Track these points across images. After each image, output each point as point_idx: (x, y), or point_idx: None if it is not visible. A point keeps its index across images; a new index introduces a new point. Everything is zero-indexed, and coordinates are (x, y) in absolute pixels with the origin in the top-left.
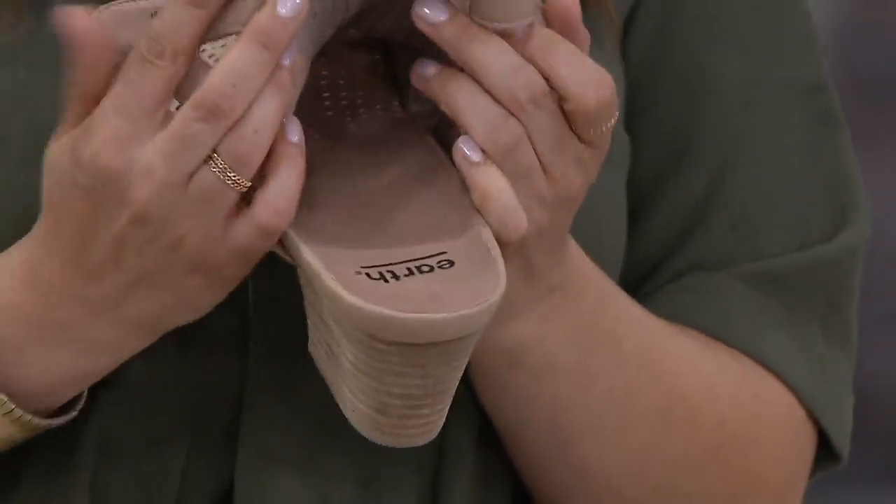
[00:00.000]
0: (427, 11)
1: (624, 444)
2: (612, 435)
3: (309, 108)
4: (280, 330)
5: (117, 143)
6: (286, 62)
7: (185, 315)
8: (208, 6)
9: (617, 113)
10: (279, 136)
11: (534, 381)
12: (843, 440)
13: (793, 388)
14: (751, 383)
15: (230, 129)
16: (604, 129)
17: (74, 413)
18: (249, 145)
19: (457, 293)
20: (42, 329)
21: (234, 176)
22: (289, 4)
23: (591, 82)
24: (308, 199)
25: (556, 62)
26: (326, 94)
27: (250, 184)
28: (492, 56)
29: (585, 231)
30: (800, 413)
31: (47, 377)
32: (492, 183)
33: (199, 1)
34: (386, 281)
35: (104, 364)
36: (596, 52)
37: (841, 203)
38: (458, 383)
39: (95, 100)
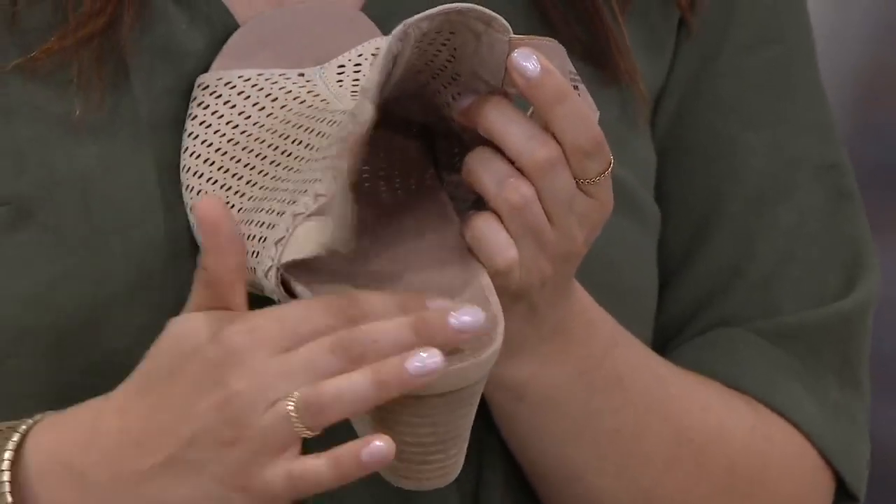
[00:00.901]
0: (460, 105)
1: (632, 481)
2: (620, 472)
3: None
4: None
5: (256, 332)
6: (411, 369)
7: None
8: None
9: (612, 160)
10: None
11: (538, 416)
12: (857, 481)
13: (805, 433)
14: (763, 428)
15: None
16: (601, 178)
17: None
18: (323, 403)
19: (458, 348)
20: (70, 482)
21: (298, 422)
22: (463, 321)
23: (585, 126)
24: (332, 263)
25: (556, 115)
26: (365, 168)
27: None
28: (511, 124)
29: (617, 285)
30: (813, 457)
31: None
32: (477, 220)
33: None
34: None
35: None
36: (628, 127)
37: (854, 264)
38: (470, 427)
39: (223, 286)
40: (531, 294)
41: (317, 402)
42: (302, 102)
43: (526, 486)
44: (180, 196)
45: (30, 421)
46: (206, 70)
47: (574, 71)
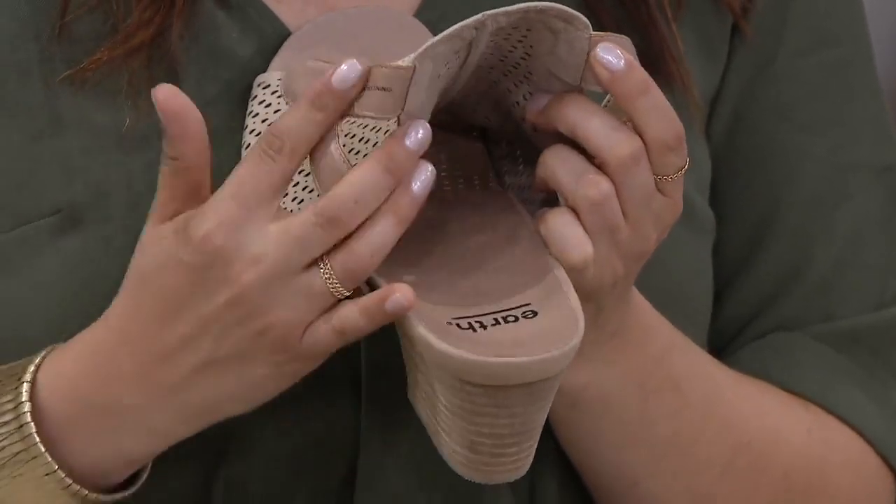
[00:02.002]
0: (535, 104)
1: (688, 486)
2: (676, 477)
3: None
4: (390, 377)
5: (231, 226)
6: (415, 188)
7: (240, 406)
8: (328, 111)
9: (687, 159)
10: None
11: (593, 422)
12: None
13: (866, 437)
14: (821, 432)
15: (347, 244)
16: (677, 175)
17: (133, 489)
18: (361, 264)
19: (540, 338)
20: (101, 415)
21: (338, 285)
22: (415, 137)
23: (669, 119)
24: (404, 258)
25: (639, 107)
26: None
27: (348, 294)
28: (593, 120)
29: (672, 290)
30: (873, 460)
31: (101, 460)
32: (552, 215)
33: (321, 104)
34: (474, 330)
35: (155, 448)
36: (686, 133)
37: None
38: (543, 422)
39: (193, 172)
40: (601, 295)
41: (355, 264)
42: None
43: (581, 491)
44: None
45: (37, 359)
46: (251, 74)
47: (633, 54)
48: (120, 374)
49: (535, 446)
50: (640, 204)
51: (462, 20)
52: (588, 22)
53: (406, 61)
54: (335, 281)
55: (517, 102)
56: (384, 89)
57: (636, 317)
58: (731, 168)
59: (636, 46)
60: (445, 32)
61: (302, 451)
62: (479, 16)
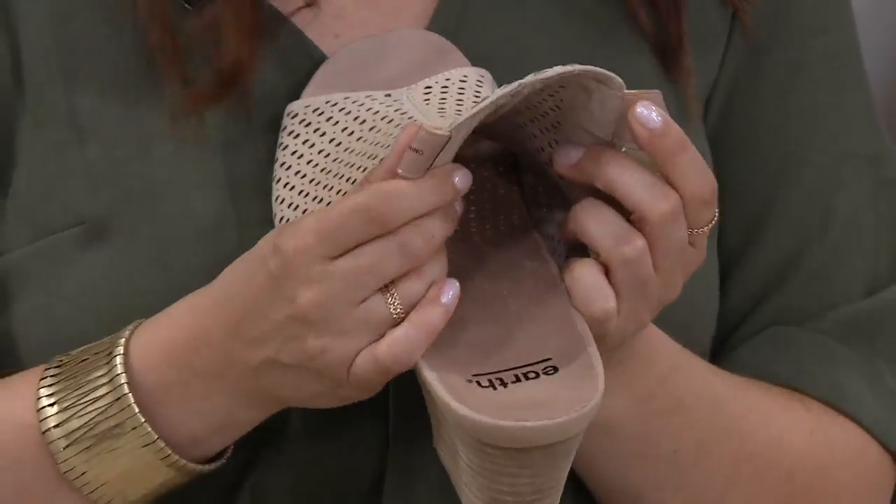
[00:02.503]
0: (566, 157)
1: (693, 499)
2: (680, 491)
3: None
4: (418, 389)
5: (306, 253)
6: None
7: (307, 405)
8: (440, 200)
9: (717, 211)
10: (433, 291)
11: (598, 440)
12: None
13: (863, 425)
14: (821, 432)
15: (413, 274)
16: (707, 228)
17: (224, 459)
18: (422, 293)
19: (559, 398)
20: (191, 375)
21: (401, 311)
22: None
23: (705, 174)
24: None
25: (677, 164)
26: (476, 235)
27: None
28: (632, 176)
29: (679, 299)
30: (874, 448)
31: (194, 423)
32: (578, 266)
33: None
34: (494, 388)
35: (243, 417)
36: (684, 123)
37: None
38: (565, 477)
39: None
40: (613, 334)
41: (411, 293)
42: (390, 122)
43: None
44: (254, 213)
45: (126, 332)
46: (276, 95)
47: (666, 111)
48: (210, 344)
49: (557, 500)
50: (674, 258)
51: (478, 27)
52: (622, 82)
53: (444, 129)
54: (399, 307)
55: (542, 148)
56: (416, 151)
57: (642, 339)
58: (728, 157)
59: (654, 34)
60: (483, 106)
61: (329, 462)
62: (515, 85)
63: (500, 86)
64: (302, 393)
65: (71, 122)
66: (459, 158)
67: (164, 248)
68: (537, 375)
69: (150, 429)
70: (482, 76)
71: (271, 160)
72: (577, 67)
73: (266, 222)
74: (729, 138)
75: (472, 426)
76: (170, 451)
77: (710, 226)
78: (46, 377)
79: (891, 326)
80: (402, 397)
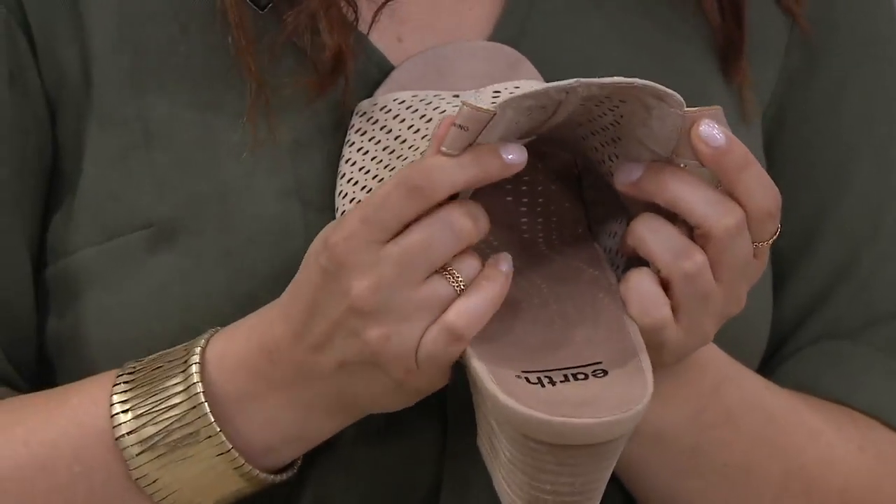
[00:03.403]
0: (627, 175)
1: None
2: (729, 503)
3: (503, 210)
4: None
5: (354, 241)
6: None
7: (383, 406)
8: (480, 171)
9: (780, 224)
10: (491, 261)
11: (647, 453)
12: None
13: None
14: (873, 447)
15: (467, 254)
16: (770, 241)
17: (294, 470)
18: (479, 267)
19: (607, 399)
20: (266, 386)
21: (463, 287)
22: (510, 156)
23: (770, 188)
24: None
25: (742, 180)
26: (525, 200)
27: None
28: (695, 192)
29: (735, 316)
30: None
31: (268, 434)
32: (634, 274)
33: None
34: (543, 386)
35: (317, 428)
36: (745, 130)
37: None
38: (606, 482)
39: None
40: (672, 345)
41: (476, 267)
42: None
43: None
44: (321, 214)
45: (202, 341)
46: (339, 98)
47: (727, 128)
48: (280, 352)
49: (598, 500)
50: (738, 271)
51: (541, 35)
52: (682, 99)
53: (489, 106)
54: (461, 282)
55: (602, 161)
56: (461, 127)
57: (695, 355)
58: (778, 165)
59: (723, 34)
60: (534, 89)
61: (385, 472)
62: (571, 81)
63: None
64: (373, 393)
65: (139, 126)
66: (531, 168)
67: (232, 252)
68: (586, 377)
69: (224, 438)
70: None
71: (338, 164)
72: (637, 81)
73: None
74: (781, 147)
75: (518, 419)
76: (243, 461)
77: (773, 238)
78: (119, 383)
79: None
80: (460, 408)
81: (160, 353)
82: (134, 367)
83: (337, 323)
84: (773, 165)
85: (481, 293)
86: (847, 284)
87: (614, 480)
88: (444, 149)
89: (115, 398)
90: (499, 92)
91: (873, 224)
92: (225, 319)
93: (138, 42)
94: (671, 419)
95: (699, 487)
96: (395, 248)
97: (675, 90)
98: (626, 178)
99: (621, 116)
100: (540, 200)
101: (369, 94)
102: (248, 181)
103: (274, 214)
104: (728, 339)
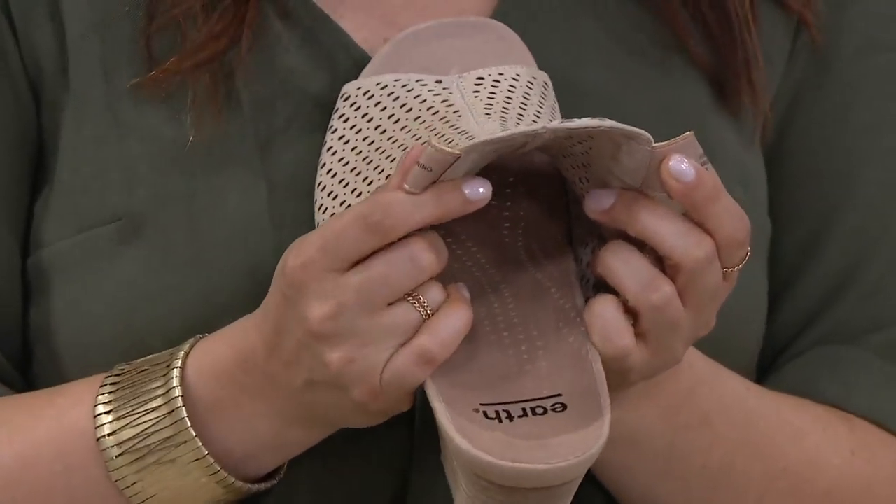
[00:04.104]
0: (597, 203)
1: None
2: None
3: (484, 213)
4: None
5: (312, 268)
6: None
7: (350, 424)
8: (441, 211)
9: (749, 249)
10: (453, 287)
11: (624, 456)
12: None
13: None
14: (865, 451)
15: (432, 282)
16: (740, 266)
17: (275, 481)
18: (444, 295)
19: (562, 440)
20: (241, 393)
21: (430, 312)
22: (475, 191)
23: (739, 217)
24: None
25: (712, 212)
26: (509, 204)
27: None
28: (666, 224)
29: (727, 315)
30: None
31: (245, 441)
32: (598, 302)
33: (436, 203)
34: (500, 421)
35: (294, 438)
36: (744, 147)
37: None
38: None
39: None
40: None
41: (436, 300)
42: (435, 113)
43: None
44: (291, 213)
45: (187, 346)
46: (318, 97)
47: (703, 153)
48: (255, 362)
49: None
50: (707, 297)
51: (532, 36)
52: (650, 137)
53: (455, 148)
54: (428, 308)
55: (574, 182)
56: (424, 167)
57: None
58: (784, 173)
59: (710, 65)
60: (499, 135)
61: (353, 476)
62: (539, 127)
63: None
64: (340, 411)
65: (110, 117)
66: (514, 171)
67: (200, 248)
68: (545, 412)
69: (199, 443)
70: (533, 78)
71: (310, 161)
72: (605, 123)
73: (303, 223)
74: (787, 153)
75: (470, 460)
76: (219, 468)
77: (743, 263)
78: (106, 384)
79: None
80: (427, 420)
81: (149, 356)
82: (122, 370)
83: (301, 344)
84: (779, 170)
85: (453, 315)
86: (851, 292)
87: (595, 482)
88: (406, 186)
89: (100, 399)
90: (482, 79)
91: (879, 232)
92: (191, 316)
93: (109, 34)
94: (646, 420)
95: (678, 489)
96: (355, 279)
97: (667, 98)
98: (597, 205)
99: (590, 149)
100: (522, 205)
101: None
102: (215, 179)
103: (241, 214)
104: (715, 338)
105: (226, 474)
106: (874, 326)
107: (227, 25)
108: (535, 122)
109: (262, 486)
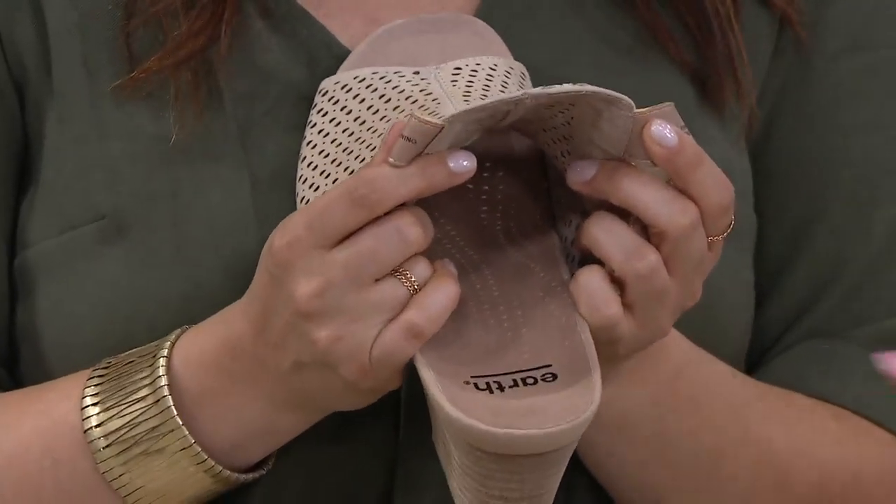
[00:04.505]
0: (579, 174)
1: (715, 503)
2: (700, 493)
3: (462, 196)
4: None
5: (298, 246)
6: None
7: (340, 406)
8: (427, 182)
9: (733, 217)
10: (440, 262)
11: (611, 441)
12: None
13: None
14: (853, 442)
15: (419, 257)
16: (724, 235)
17: (263, 471)
18: (430, 269)
19: (554, 406)
20: (229, 381)
21: (417, 287)
22: (458, 164)
23: (723, 183)
24: None
25: (695, 178)
26: (486, 188)
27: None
28: (649, 192)
29: (714, 306)
30: None
31: (233, 429)
32: (584, 273)
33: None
34: (491, 392)
35: (282, 424)
36: (730, 143)
37: None
38: (557, 485)
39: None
40: (626, 340)
41: (428, 268)
42: (414, 102)
43: None
44: (274, 209)
45: (173, 336)
46: (300, 92)
47: (684, 124)
48: (242, 347)
49: None
50: (693, 266)
51: (515, 33)
52: (631, 102)
53: (437, 119)
54: (415, 282)
55: (556, 156)
56: (408, 139)
57: None
58: (768, 169)
59: (691, 64)
60: (481, 104)
61: (339, 465)
62: (520, 93)
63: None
64: (329, 392)
65: (93, 116)
66: (493, 155)
67: (183, 246)
68: (535, 382)
69: (186, 432)
70: (511, 68)
71: (293, 156)
72: (585, 88)
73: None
74: (772, 149)
75: (462, 429)
76: (206, 457)
77: (728, 231)
78: (94, 377)
79: None
80: (413, 408)
81: (136, 349)
82: (109, 363)
83: (288, 324)
84: (764, 166)
85: (441, 290)
86: (836, 288)
87: (586, 476)
88: (391, 160)
89: (87, 391)
90: (459, 68)
91: (863, 229)
92: (175, 313)
93: (88, 31)
94: (632, 403)
95: (668, 476)
96: (342, 254)
97: (652, 96)
98: (579, 177)
99: (572, 118)
100: (500, 188)
101: None
102: (197, 176)
103: (224, 210)
104: (704, 328)
105: (213, 463)
106: (861, 321)
107: (207, 23)
108: None
109: (252, 475)
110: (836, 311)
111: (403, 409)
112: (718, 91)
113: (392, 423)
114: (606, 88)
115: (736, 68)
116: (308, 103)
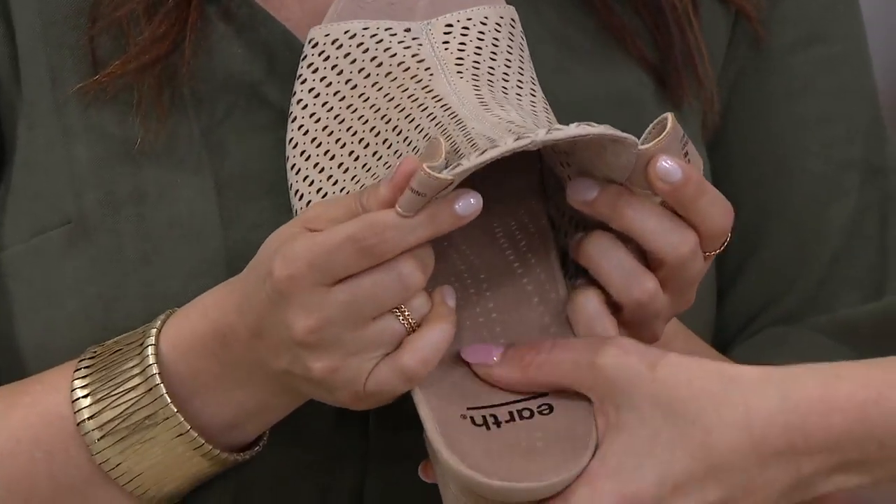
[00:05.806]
0: (580, 194)
1: None
2: None
3: (470, 231)
4: (398, 403)
5: (298, 279)
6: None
7: (329, 402)
8: (435, 229)
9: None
10: (438, 297)
11: None
12: None
13: None
14: None
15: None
16: (720, 249)
17: (258, 447)
18: (429, 305)
19: (551, 448)
20: (219, 365)
21: (415, 324)
22: (465, 203)
23: (724, 207)
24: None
25: (698, 208)
26: (500, 233)
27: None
28: (650, 220)
29: None
30: None
31: (226, 410)
32: (581, 297)
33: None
34: (488, 428)
35: (275, 403)
36: (690, 135)
37: None
38: None
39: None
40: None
41: (420, 311)
42: (406, 70)
43: None
44: (240, 213)
45: (158, 322)
46: (261, 93)
47: (683, 134)
48: (235, 339)
49: None
50: (690, 285)
51: None
52: (636, 140)
53: (447, 174)
54: (413, 320)
55: (555, 165)
56: (417, 192)
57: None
58: (727, 163)
59: (649, 60)
60: (488, 154)
61: (309, 466)
62: (525, 141)
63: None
64: (323, 397)
65: (59, 122)
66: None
67: (148, 252)
68: (532, 415)
69: (182, 419)
70: (501, 17)
71: (258, 158)
72: (591, 131)
73: (254, 225)
74: (727, 141)
75: (460, 476)
76: (202, 442)
77: (723, 246)
78: (81, 368)
79: (888, 331)
80: (382, 411)
81: (122, 336)
82: (95, 352)
83: (283, 344)
84: (720, 160)
85: (434, 332)
86: (799, 281)
87: None
88: (399, 209)
89: (76, 383)
90: (451, 25)
91: (821, 224)
92: (143, 318)
93: (53, 38)
94: None
95: None
96: (342, 295)
97: (613, 91)
98: (580, 196)
99: (575, 144)
100: (505, 198)
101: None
102: (162, 180)
103: (189, 214)
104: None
105: (210, 447)
106: (820, 314)
107: (170, 28)
108: (505, 76)
109: (247, 454)
110: (797, 306)
111: (372, 416)
112: (678, 87)
113: (361, 432)
114: (569, 85)
115: (696, 64)
116: (269, 104)
